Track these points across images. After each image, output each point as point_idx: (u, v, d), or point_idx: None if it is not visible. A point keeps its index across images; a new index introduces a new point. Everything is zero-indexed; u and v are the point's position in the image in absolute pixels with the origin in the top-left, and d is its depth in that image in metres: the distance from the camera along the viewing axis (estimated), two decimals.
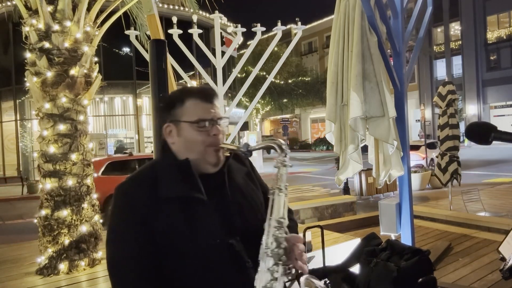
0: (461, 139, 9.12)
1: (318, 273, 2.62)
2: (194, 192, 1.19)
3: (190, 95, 1.28)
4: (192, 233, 1.16)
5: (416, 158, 14.53)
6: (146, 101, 19.53)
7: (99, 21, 5.21)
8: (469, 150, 21.54)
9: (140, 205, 1.17)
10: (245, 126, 28.90)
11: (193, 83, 10.39)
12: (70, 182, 4.65)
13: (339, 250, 4.21)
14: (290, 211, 1.43)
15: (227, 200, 1.24)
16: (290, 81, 33.90)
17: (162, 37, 3.26)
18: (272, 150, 1.28)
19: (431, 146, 15.36)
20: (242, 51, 17.15)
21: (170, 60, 3.85)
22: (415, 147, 14.84)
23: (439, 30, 35.07)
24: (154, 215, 1.16)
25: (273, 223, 1.14)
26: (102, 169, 8.90)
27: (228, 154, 1.31)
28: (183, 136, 1.25)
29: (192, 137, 1.24)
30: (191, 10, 7.19)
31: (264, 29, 5.04)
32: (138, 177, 1.26)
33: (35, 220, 4.71)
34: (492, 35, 31.64)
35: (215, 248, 1.16)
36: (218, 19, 4.77)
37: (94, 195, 4.96)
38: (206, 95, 1.28)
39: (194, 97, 1.27)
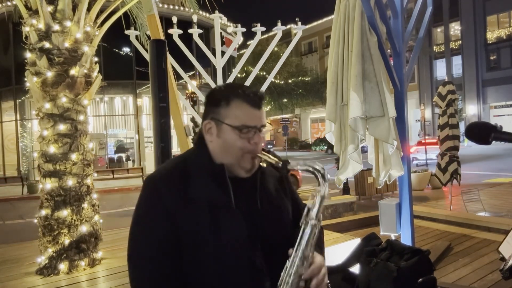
0: (461, 139, 9.12)
1: None
2: (225, 199, 1.17)
3: (237, 96, 1.19)
4: (215, 238, 1.14)
5: None
6: (146, 101, 19.52)
7: (99, 21, 5.22)
8: (469, 149, 21.55)
9: (168, 201, 1.15)
10: None
11: (193, 83, 10.38)
12: (70, 182, 4.65)
13: (339, 250, 4.21)
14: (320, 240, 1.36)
15: (255, 208, 1.21)
16: (290, 81, 33.91)
17: (162, 37, 3.26)
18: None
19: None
20: (242, 51, 17.14)
21: (170, 60, 3.85)
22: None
23: (439, 30, 35.06)
24: (180, 214, 1.14)
25: (299, 254, 1.11)
26: None
27: (264, 165, 1.24)
28: (222, 138, 1.19)
29: (232, 141, 1.18)
30: (191, 10, 7.19)
31: (264, 29, 5.04)
32: (169, 171, 1.22)
33: (35, 220, 4.71)
34: (492, 35, 31.64)
35: (236, 257, 1.15)
36: (218, 19, 4.77)
37: (94, 195, 4.96)
38: (254, 99, 1.20)
39: (241, 99, 1.19)
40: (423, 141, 17.29)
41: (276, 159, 1.20)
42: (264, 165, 1.23)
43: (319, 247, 1.27)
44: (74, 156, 4.72)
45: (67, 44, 4.75)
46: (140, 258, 1.17)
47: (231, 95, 1.20)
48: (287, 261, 1.12)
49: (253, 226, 1.18)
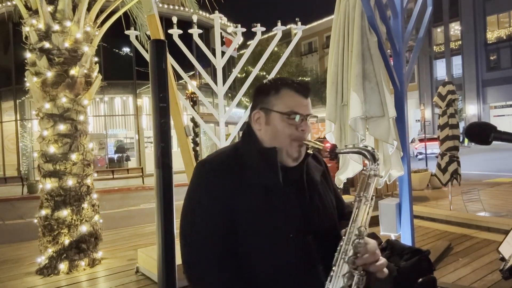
0: (461, 139, 9.11)
1: None
2: (276, 181, 1.20)
3: (286, 86, 1.26)
4: (270, 220, 1.17)
5: None
6: (146, 101, 19.52)
7: (99, 21, 5.22)
8: (469, 149, 21.54)
9: (223, 183, 1.19)
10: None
11: (193, 83, 10.38)
12: (70, 182, 4.66)
13: None
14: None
15: (304, 196, 1.24)
16: None
17: (162, 37, 3.25)
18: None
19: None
20: (242, 51, 17.15)
21: (170, 60, 3.85)
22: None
23: (439, 30, 35.06)
24: (235, 196, 1.18)
25: (354, 231, 1.13)
26: None
27: (311, 152, 1.27)
28: (271, 125, 1.24)
29: (280, 128, 1.23)
30: (191, 10, 7.19)
31: (264, 29, 5.03)
32: (222, 157, 1.27)
33: (35, 220, 4.72)
34: (492, 35, 31.64)
35: (291, 241, 1.17)
36: (218, 19, 4.77)
37: (94, 195, 4.96)
38: (302, 88, 1.26)
39: (290, 88, 1.25)
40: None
41: (323, 145, 1.24)
42: (311, 152, 1.26)
43: None
44: (74, 156, 4.72)
45: (67, 44, 4.75)
46: (196, 239, 1.19)
47: (280, 85, 1.27)
48: (341, 239, 1.13)
49: (306, 215, 1.21)
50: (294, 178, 1.25)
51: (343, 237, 1.14)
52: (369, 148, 1.19)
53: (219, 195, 1.18)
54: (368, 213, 1.16)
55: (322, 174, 1.36)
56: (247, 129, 1.31)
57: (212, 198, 1.19)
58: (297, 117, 1.22)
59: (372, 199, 1.17)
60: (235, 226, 1.17)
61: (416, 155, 18.80)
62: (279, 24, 4.98)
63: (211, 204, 1.19)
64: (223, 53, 4.88)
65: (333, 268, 1.11)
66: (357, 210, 1.16)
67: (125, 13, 5.87)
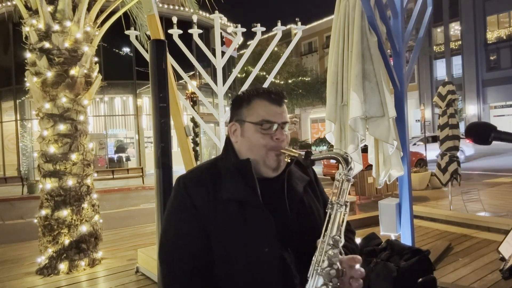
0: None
1: None
2: (252, 195, 1.18)
3: (257, 95, 1.25)
4: (244, 236, 1.14)
5: None
6: (146, 101, 19.53)
7: (99, 21, 5.22)
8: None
9: (196, 200, 1.17)
10: None
11: (193, 83, 10.38)
12: (70, 182, 4.66)
13: None
14: (352, 232, 1.38)
15: (284, 208, 1.21)
16: (290, 81, 33.89)
17: (162, 37, 3.25)
18: None
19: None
20: (242, 51, 17.14)
21: (170, 60, 3.84)
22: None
23: (439, 30, 35.05)
24: (209, 213, 1.16)
25: (327, 240, 1.07)
26: None
27: (289, 160, 1.25)
28: (246, 137, 1.23)
29: (254, 139, 1.21)
30: (191, 10, 7.19)
31: (264, 29, 5.03)
32: (199, 173, 1.25)
33: (35, 220, 4.72)
34: (492, 35, 31.63)
35: (265, 256, 1.13)
36: (218, 19, 4.76)
37: (94, 195, 4.96)
38: (273, 96, 1.24)
39: (261, 97, 1.24)
40: None
41: (298, 152, 1.19)
42: (288, 160, 1.24)
43: (352, 248, 1.26)
44: (74, 156, 4.72)
45: (67, 44, 4.76)
46: (170, 262, 1.18)
47: (252, 95, 1.26)
48: (316, 251, 1.08)
49: (284, 228, 1.17)
50: (274, 190, 1.22)
51: (317, 247, 1.08)
52: (342, 153, 1.15)
53: (192, 213, 1.17)
54: (343, 221, 1.09)
55: (308, 184, 1.32)
56: (226, 142, 1.30)
57: (184, 217, 1.18)
58: (271, 126, 1.21)
59: (346, 205, 1.11)
60: (210, 243, 1.15)
61: None
62: (279, 24, 4.98)
63: (183, 224, 1.18)
64: (223, 53, 4.88)
65: (308, 280, 1.06)
66: (329, 217, 1.10)
67: (125, 13, 5.87)
